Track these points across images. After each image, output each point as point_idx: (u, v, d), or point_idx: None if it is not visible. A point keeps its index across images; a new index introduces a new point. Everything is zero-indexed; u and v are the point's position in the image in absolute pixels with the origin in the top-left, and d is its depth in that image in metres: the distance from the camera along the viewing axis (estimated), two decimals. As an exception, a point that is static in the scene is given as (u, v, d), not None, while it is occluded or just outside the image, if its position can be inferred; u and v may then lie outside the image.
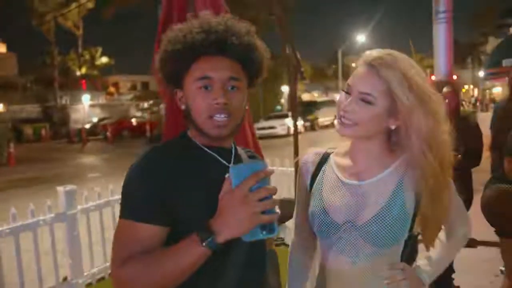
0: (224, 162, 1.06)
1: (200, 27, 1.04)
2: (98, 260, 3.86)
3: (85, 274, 3.64)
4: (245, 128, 2.90)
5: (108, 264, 3.98)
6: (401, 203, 1.09)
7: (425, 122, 1.04)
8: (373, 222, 1.08)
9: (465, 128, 2.26)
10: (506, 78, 2.68)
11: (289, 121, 20.30)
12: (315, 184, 1.22)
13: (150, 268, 0.91)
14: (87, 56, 38.47)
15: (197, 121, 1.04)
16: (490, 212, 2.41)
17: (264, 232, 0.87)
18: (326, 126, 24.31)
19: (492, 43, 22.06)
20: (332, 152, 1.25)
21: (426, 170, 1.05)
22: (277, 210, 0.89)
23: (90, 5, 31.06)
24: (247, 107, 1.10)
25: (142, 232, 0.95)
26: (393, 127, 1.09)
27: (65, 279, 3.60)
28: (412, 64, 1.08)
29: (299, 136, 4.47)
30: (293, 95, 4.10)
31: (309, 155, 1.27)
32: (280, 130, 20.15)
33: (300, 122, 18.68)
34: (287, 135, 19.08)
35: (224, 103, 1.01)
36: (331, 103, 29.29)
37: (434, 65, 4.16)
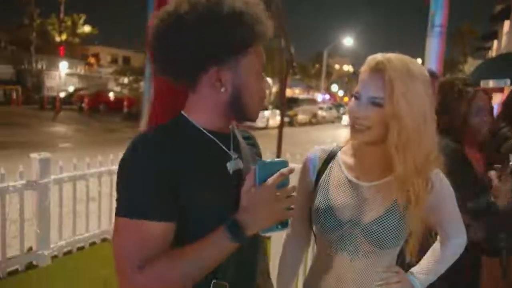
0: (225, 148, 1.02)
1: (255, 14, 0.97)
2: (66, 233, 3.76)
3: (52, 246, 3.55)
4: None
5: (77, 237, 3.88)
6: (403, 209, 1.11)
7: (410, 130, 1.06)
8: (376, 223, 1.11)
9: None
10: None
11: (268, 114, 20.34)
12: (320, 180, 1.23)
13: (175, 267, 0.87)
14: (69, 23, 37.13)
15: (248, 104, 0.99)
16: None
17: (279, 226, 0.93)
18: (304, 124, 24.56)
19: (469, 63, 22.75)
20: (339, 150, 1.26)
21: (404, 181, 1.09)
22: (293, 206, 0.93)
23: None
24: None
25: (156, 231, 0.88)
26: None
27: (30, 249, 3.49)
28: (413, 70, 1.08)
29: (277, 131, 4.48)
30: (283, 89, 4.07)
31: (316, 151, 1.28)
32: (258, 123, 20.15)
33: (278, 117, 18.73)
34: (265, 127, 19.11)
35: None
36: (312, 101, 29.52)
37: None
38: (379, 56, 1.10)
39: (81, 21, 37.82)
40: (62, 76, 28.67)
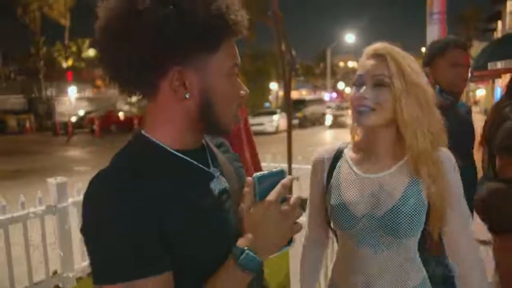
0: (202, 166, 0.85)
1: (225, 5, 0.79)
2: (88, 253, 3.82)
3: (76, 267, 3.61)
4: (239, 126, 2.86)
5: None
6: (417, 194, 1.12)
7: (413, 109, 1.10)
8: (391, 214, 1.11)
9: None
10: (490, 81, 2.69)
11: (277, 118, 20.34)
12: (332, 180, 1.23)
13: None
14: (74, 48, 37.86)
15: (220, 113, 0.82)
16: (484, 209, 2.43)
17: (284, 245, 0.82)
18: (313, 123, 24.50)
19: (476, 46, 22.47)
20: (345, 148, 1.27)
21: (419, 156, 1.11)
22: (300, 219, 0.82)
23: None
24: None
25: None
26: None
27: (55, 272, 3.56)
28: (409, 56, 1.15)
29: (285, 134, 4.49)
30: (288, 92, 4.09)
31: (323, 152, 1.29)
32: (268, 127, 20.17)
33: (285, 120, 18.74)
34: (276, 132, 19.12)
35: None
36: (319, 101, 29.44)
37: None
38: (377, 45, 1.16)
39: (85, 45, 38.50)
40: (72, 101, 29.21)
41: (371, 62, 1.14)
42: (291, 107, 4.70)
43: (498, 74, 9.78)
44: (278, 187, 0.79)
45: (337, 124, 22.70)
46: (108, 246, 0.70)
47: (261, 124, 20.06)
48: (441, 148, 1.15)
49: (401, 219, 1.10)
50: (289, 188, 0.81)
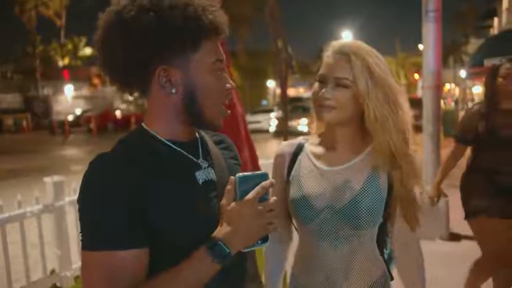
0: (193, 157, 0.93)
1: (203, 6, 0.87)
2: (86, 252, 3.81)
3: (74, 266, 3.61)
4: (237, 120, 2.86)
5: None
6: (376, 187, 1.15)
7: (382, 108, 1.11)
8: (351, 205, 1.13)
9: None
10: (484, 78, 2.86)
11: (274, 116, 20.34)
12: (292, 173, 1.24)
13: None
14: (70, 46, 37.70)
15: (205, 107, 0.89)
16: (463, 196, 2.63)
17: (259, 242, 0.87)
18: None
19: (473, 43, 22.52)
20: (306, 142, 1.29)
21: (393, 155, 1.13)
22: (275, 220, 0.87)
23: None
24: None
25: (127, 260, 0.78)
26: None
27: (53, 271, 3.56)
28: (376, 55, 1.15)
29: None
30: (284, 89, 4.12)
31: (284, 146, 1.30)
32: (265, 125, 20.17)
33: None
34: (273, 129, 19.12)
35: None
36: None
37: (423, 63, 4.24)
38: (342, 41, 1.17)
39: (82, 44, 38.36)
40: (69, 100, 29.13)
41: (335, 61, 1.14)
42: (287, 105, 4.71)
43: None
44: (257, 188, 0.84)
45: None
46: (92, 217, 0.80)
47: (258, 122, 20.07)
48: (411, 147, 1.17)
49: (361, 210, 1.12)
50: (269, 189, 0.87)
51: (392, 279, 1.23)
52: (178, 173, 0.89)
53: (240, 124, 2.65)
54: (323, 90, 1.13)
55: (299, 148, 1.27)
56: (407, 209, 1.17)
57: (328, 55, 1.16)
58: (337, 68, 1.12)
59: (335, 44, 1.16)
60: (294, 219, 1.25)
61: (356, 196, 1.13)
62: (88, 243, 0.80)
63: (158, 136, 0.91)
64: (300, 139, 1.30)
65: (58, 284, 3.49)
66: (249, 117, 20.83)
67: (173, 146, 0.91)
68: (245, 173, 0.87)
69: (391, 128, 1.12)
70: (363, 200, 1.13)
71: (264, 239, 0.88)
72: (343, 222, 1.14)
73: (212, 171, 0.95)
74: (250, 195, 0.84)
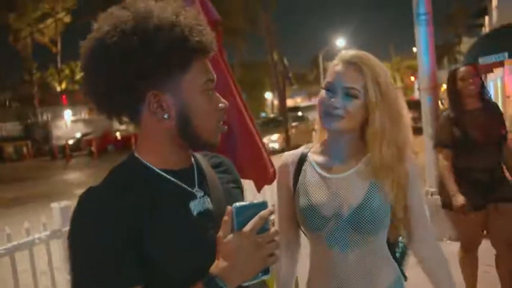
0: (185, 186, 0.89)
1: (190, 26, 0.84)
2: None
3: (84, 290, 3.59)
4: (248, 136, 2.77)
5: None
6: (380, 191, 1.16)
7: (383, 122, 1.13)
8: (357, 212, 1.15)
9: None
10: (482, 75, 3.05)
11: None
12: (298, 183, 1.25)
13: None
14: (67, 71, 38.00)
15: (200, 128, 0.87)
16: (439, 190, 2.91)
17: (260, 274, 0.82)
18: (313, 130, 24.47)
19: (466, 43, 22.71)
20: (308, 151, 1.30)
21: (380, 168, 1.15)
22: (277, 252, 0.83)
23: (67, 19, 30.81)
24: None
25: None
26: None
27: (63, 297, 3.55)
28: (382, 66, 1.18)
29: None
30: (283, 100, 4.14)
31: (286, 158, 1.31)
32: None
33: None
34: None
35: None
36: (314, 107, 29.42)
37: (418, 66, 4.29)
38: (351, 52, 1.18)
39: (79, 68, 38.57)
40: (68, 124, 29.24)
41: (344, 70, 1.14)
42: (287, 116, 4.76)
43: (490, 68, 9.90)
44: (255, 218, 0.79)
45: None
46: (81, 258, 0.77)
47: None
48: (408, 160, 1.19)
49: (366, 216, 1.14)
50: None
51: (405, 279, 1.24)
52: (172, 204, 0.85)
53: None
54: (332, 100, 1.14)
55: (303, 158, 1.28)
56: (397, 218, 1.19)
57: (336, 63, 1.17)
58: (347, 77, 1.13)
59: (344, 53, 1.18)
60: (303, 228, 1.26)
61: (361, 202, 1.15)
62: (78, 285, 0.77)
63: (151, 165, 0.87)
64: (302, 149, 1.32)
65: (69, 310, 3.47)
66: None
67: (166, 176, 0.87)
68: (243, 203, 0.82)
69: (388, 141, 1.14)
70: (367, 206, 1.14)
71: (265, 271, 0.83)
72: (351, 228, 1.15)
73: (208, 199, 0.91)
74: (248, 226, 0.79)
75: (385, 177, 1.15)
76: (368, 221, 1.14)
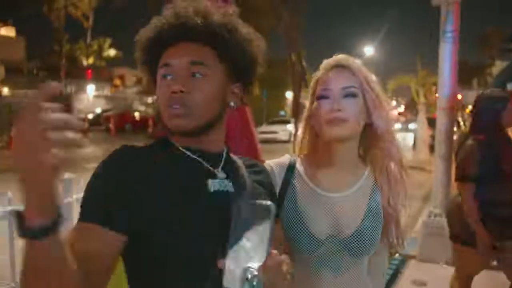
0: (207, 165, 0.91)
1: (171, 14, 0.91)
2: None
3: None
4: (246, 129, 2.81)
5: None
6: (377, 214, 1.12)
7: (381, 122, 1.10)
8: (356, 236, 1.08)
9: None
10: None
11: (291, 127, 20.31)
12: (286, 198, 1.12)
13: None
14: (96, 47, 38.63)
15: (161, 114, 0.90)
16: (448, 219, 2.69)
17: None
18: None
19: (498, 66, 22.10)
20: (295, 162, 1.17)
21: (387, 169, 1.12)
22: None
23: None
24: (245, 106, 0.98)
25: (88, 235, 0.77)
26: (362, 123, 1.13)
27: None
28: (366, 69, 1.15)
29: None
30: (296, 101, 4.12)
31: (272, 165, 1.16)
32: (281, 136, 20.14)
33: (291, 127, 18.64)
34: (289, 141, 19.06)
35: (180, 91, 0.85)
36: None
37: (438, 83, 4.20)
38: (339, 56, 1.14)
39: (107, 45, 39.23)
40: (90, 99, 29.71)
41: (336, 73, 1.10)
42: (299, 117, 4.73)
43: (516, 95, 9.60)
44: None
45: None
46: (84, 196, 0.84)
47: (274, 132, 20.06)
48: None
49: (365, 240, 1.08)
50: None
51: None
52: (188, 177, 0.87)
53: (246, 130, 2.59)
54: (332, 103, 1.07)
55: (290, 169, 1.15)
56: (391, 229, 1.14)
57: (325, 71, 1.13)
58: (342, 79, 1.09)
59: (327, 61, 1.14)
60: (292, 248, 1.10)
61: (360, 225, 1.08)
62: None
63: (175, 143, 0.92)
64: (288, 158, 1.19)
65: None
66: (265, 127, 20.90)
67: (187, 152, 0.91)
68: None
69: (390, 139, 1.11)
70: (367, 230, 1.08)
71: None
72: (346, 251, 1.08)
73: (231, 184, 0.92)
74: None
75: (388, 180, 1.11)
76: (365, 245, 1.07)
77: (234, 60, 0.93)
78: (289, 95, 29.08)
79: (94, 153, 15.42)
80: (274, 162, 1.18)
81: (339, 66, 1.11)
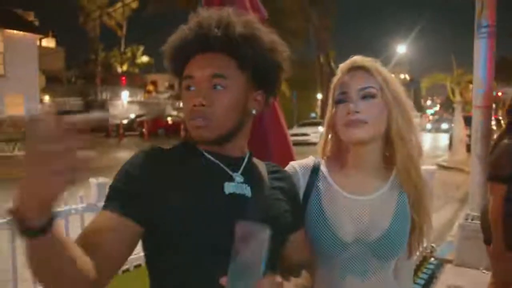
0: (226, 169, 0.93)
1: (194, 24, 0.93)
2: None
3: (111, 264, 3.76)
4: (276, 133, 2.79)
5: (142, 254, 4.06)
6: (406, 217, 1.09)
7: (402, 122, 1.07)
8: (384, 239, 1.05)
9: None
10: None
11: (322, 129, 20.04)
12: (310, 201, 1.11)
13: None
14: (129, 54, 39.83)
15: (186, 124, 0.95)
16: (482, 222, 2.52)
17: None
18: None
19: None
20: (320, 164, 1.16)
21: (410, 171, 1.08)
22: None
23: (134, 5, 32.24)
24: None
25: (105, 220, 0.82)
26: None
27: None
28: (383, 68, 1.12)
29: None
30: (324, 102, 4.08)
31: (296, 167, 1.15)
32: (313, 138, 19.94)
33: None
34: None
35: (200, 105, 0.89)
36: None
37: (473, 80, 4.04)
38: (357, 58, 1.11)
39: (140, 52, 40.36)
40: (124, 104, 30.60)
41: (353, 75, 1.08)
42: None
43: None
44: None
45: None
46: (111, 186, 0.89)
47: (305, 134, 19.92)
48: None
49: (394, 244, 1.05)
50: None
51: None
52: (205, 178, 0.90)
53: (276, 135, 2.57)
54: (351, 105, 1.04)
55: (315, 171, 1.14)
56: (414, 235, 1.11)
57: (341, 74, 1.10)
58: (359, 80, 1.07)
59: (344, 64, 1.11)
60: (316, 251, 1.08)
61: (388, 229, 1.05)
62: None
63: (199, 148, 0.95)
64: (312, 160, 1.18)
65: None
66: (296, 130, 20.79)
67: (208, 155, 0.94)
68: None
69: (410, 141, 1.07)
70: (395, 233, 1.06)
71: None
72: (373, 255, 1.05)
73: (249, 188, 0.92)
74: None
75: (411, 180, 1.08)
76: (393, 249, 1.05)
77: (255, 69, 0.94)
78: (319, 96, 28.84)
79: (128, 157, 15.91)
80: (298, 164, 1.17)
81: (355, 68, 1.08)
